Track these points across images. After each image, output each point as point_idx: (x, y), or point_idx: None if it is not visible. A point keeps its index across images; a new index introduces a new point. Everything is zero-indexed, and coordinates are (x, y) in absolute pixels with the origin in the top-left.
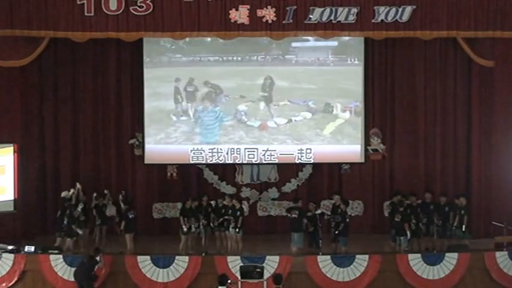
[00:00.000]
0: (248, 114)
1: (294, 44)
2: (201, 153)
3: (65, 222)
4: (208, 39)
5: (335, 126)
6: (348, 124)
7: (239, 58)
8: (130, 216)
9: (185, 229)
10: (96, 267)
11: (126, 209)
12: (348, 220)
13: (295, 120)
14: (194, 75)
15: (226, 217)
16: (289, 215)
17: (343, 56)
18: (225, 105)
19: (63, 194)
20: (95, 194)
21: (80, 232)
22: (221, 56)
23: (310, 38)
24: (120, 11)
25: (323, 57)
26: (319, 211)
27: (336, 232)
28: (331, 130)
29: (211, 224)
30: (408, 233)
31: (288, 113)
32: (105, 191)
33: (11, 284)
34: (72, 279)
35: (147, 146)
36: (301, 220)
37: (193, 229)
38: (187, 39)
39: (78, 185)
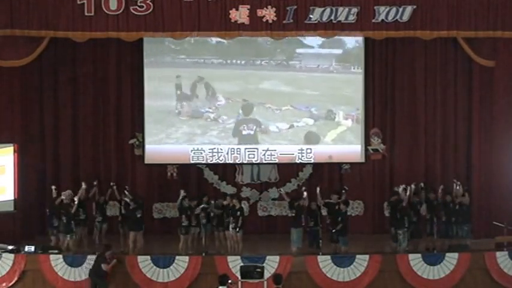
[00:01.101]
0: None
1: (298, 50)
2: (201, 153)
3: (64, 219)
4: (214, 41)
5: (337, 133)
6: (349, 132)
7: (243, 62)
8: (138, 216)
9: (184, 223)
10: (105, 263)
11: (134, 208)
12: (347, 221)
13: (296, 126)
14: (197, 77)
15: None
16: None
17: (347, 64)
18: (226, 108)
19: (67, 192)
20: (95, 189)
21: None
22: (225, 58)
23: (314, 44)
24: (120, 11)
25: (327, 65)
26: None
27: (333, 231)
28: (333, 137)
29: (212, 213)
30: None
31: (290, 118)
32: (112, 183)
33: (11, 284)
34: (73, 279)
35: (147, 146)
36: (300, 216)
37: (193, 222)
38: (192, 40)
39: (83, 185)
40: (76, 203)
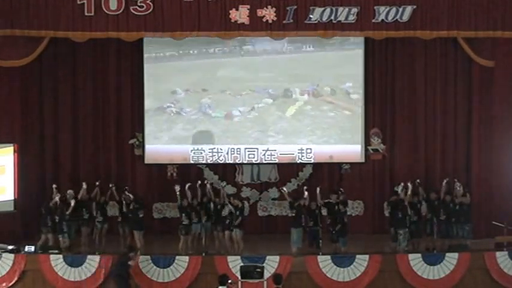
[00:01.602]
0: (212, 106)
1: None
2: (201, 153)
3: (56, 219)
4: None
5: (295, 108)
6: (307, 104)
7: (195, 51)
8: (140, 216)
9: (185, 222)
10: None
11: (136, 208)
12: (346, 220)
13: (257, 107)
14: (154, 72)
15: (227, 205)
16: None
17: (298, 44)
18: (187, 100)
19: (68, 192)
20: (97, 189)
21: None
22: (177, 50)
23: None
24: (120, 11)
25: (279, 47)
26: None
27: (333, 231)
28: (292, 112)
29: (211, 210)
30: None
31: (251, 101)
32: (111, 185)
33: (11, 284)
34: (72, 279)
35: (147, 146)
36: (300, 216)
37: (194, 220)
38: None
39: (84, 185)
40: (73, 204)
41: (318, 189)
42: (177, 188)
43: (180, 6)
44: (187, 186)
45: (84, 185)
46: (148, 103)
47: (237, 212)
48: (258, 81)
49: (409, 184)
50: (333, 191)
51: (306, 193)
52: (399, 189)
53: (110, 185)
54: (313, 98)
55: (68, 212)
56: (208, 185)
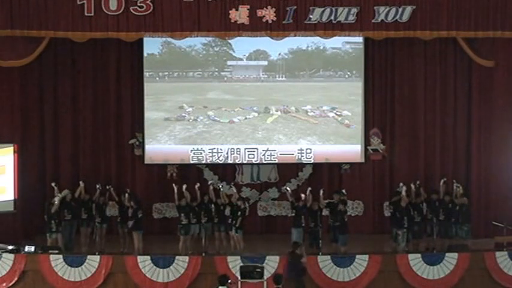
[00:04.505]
0: (216, 115)
1: (229, 62)
2: (201, 153)
3: (45, 218)
4: (145, 54)
5: (273, 118)
6: (281, 118)
7: (175, 74)
8: (139, 216)
9: (184, 222)
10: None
11: (135, 209)
12: (345, 219)
13: (247, 118)
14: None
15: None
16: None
17: (272, 73)
18: (192, 112)
19: (64, 192)
20: (98, 192)
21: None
22: (156, 71)
23: (242, 56)
24: (120, 11)
25: (255, 75)
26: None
27: (333, 229)
28: (271, 120)
29: (212, 212)
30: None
31: (241, 115)
32: (108, 187)
33: (11, 284)
34: (72, 279)
35: (147, 146)
36: (300, 216)
37: (192, 220)
38: None
39: (81, 184)
40: (56, 203)
41: (321, 191)
42: (176, 187)
43: (180, 6)
44: (184, 187)
45: (81, 184)
46: (148, 104)
47: (239, 213)
48: (242, 103)
49: (411, 185)
50: (335, 192)
51: (306, 193)
52: (402, 190)
53: (108, 187)
54: (284, 114)
55: (52, 211)
56: (211, 186)
